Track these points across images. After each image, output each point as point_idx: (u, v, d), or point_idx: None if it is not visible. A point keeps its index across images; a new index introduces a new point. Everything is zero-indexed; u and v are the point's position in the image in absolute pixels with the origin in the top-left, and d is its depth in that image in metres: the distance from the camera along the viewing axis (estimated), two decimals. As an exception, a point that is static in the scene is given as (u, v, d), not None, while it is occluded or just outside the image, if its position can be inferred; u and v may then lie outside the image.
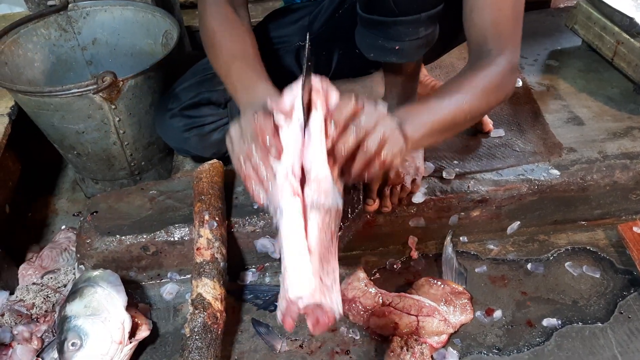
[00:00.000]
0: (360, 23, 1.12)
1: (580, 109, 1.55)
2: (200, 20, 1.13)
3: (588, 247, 1.35)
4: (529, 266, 1.30)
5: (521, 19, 1.03)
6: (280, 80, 1.00)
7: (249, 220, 1.28)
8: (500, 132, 1.45)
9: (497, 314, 1.20)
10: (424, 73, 1.49)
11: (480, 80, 0.98)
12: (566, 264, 1.30)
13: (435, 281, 1.24)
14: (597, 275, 1.27)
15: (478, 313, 1.20)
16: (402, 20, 1.04)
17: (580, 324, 1.18)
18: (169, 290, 1.30)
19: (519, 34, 1.03)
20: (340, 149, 0.79)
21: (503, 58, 1.00)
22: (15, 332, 1.19)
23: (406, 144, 0.86)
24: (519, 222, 1.36)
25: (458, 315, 1.19)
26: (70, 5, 1.55)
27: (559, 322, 1.18)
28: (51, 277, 1.34)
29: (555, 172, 1.33)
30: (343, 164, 0.81)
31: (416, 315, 1.16)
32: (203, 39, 1.12)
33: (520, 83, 1.64)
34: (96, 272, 1.18)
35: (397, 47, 1.09)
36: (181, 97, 1.31)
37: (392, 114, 0.86)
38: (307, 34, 0.84)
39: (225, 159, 1.38)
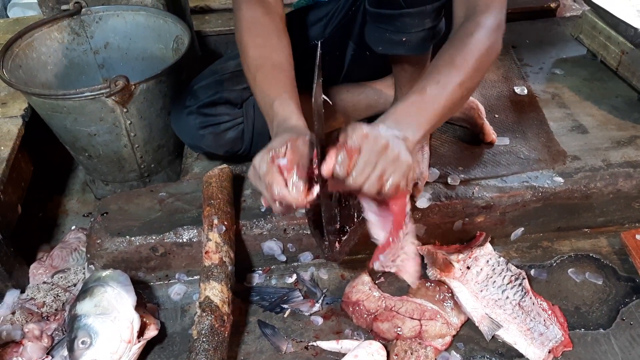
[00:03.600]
0: (369, 18, 1.15)
1: (585, 117, 1.57)
2: (237, 21, 1.15)
3: (591, 254, 1.36)
4: (532, 272, 1.31)
5: None
6: (302, 77, 1.08)
7: (256, 223, 1.30)
8: (505, 140, 1.47)
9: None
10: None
11: (471, 50, 0.97)
12: (569, 270, 1.32)
13: (430, 284, 1.26)
14: (600, 282, 1.29)
15: (481, 318, 1.22)
16: (408, 12, 1.08)
17: (582, 329, 1.19)
18: (176, 290, 1.32)
19: None
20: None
21: (489, 15, 0.99)
22: (26, 330, 1.21)
23: (410, 152, 0.89)
24: (522, 229, 1.38)
25: (458, 315, 1.21)
26: (83, 9, 1.58)
27: (561, 327, 1.19)
28: (61, 277, 1.36)
29: (559, 179, 1.35)
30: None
31: (419, 320, 1.18)
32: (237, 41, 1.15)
33: (525, 91, 1.66)
34: (106, 272, 1.20)
35: (404, 39, 1.12)
36: (199, 95, 1.33)
37: (389, 125, 0.89)
38: (319, 43, 0.86)
39: (237, 157, 1.40)
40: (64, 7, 1.58)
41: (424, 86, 0.95)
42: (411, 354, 1.14)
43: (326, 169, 0.85)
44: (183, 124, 1.36)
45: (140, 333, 1.14)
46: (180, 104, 1.37)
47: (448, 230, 1.36)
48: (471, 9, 1.02)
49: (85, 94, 1.28)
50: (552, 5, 2.10)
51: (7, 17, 2.40)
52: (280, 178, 0.86)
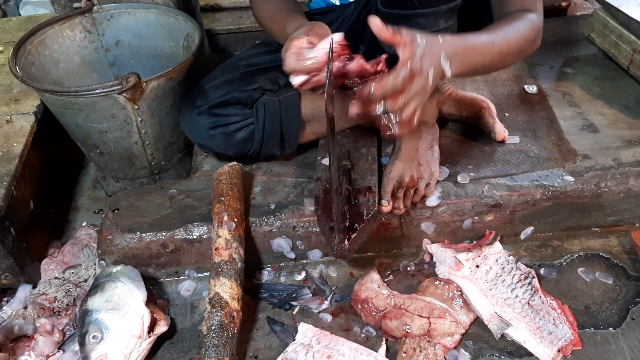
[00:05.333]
0: (381, 19, 1.15)
1: (595, 116, 1.56)
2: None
3: (601, 254, 1.36)
4: (542, 271, 1.31)
5: None
6: None
7: (266, 220, 1.31)
8: (515, 139, 1.46)
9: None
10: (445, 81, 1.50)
11: (513, 27, 1.08)
12: (579, 269, 1.31)
13: (439, 282, 1.26)
14: (610, 282, 1.28)
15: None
16: (422, 13, 1.08)
17: (592, 329, 1.19)
18: (186, 287, 1.32)
19: (542, 2, 1.15)
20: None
21: (532, 15, 1.11)
22: (37, 325, 1.22)
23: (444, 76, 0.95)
24: (532, 228, 1.37)
25: (467, 314, 1.21)
26: (95, 7, 1.59)
27: (571, 326, 1.19)
28: (72, 272, 1.37)
29: (570, 178, 1.35)
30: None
31: (428, 318, 1.18)
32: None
33: (536, 90, 1.66)
34: (117, 268, 1.21)
35: None
36: (210, 95, 1.33)
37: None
38: (331, 40, 0.87)
39: (247, 157, 1.41)
40: (75, 4, 1.59)
41: (466, 36, 1.02)
42: (420, 351, 1.14)
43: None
44: (193, 124, 1.36)
45: (151, 328, 1.15)
46: (190, 104, 1.37)
47: (457, 229, 1.35)
48: (511, 5, 1.13)
49: (97, 91, 1.29)
50: (563, 4, 2.10)
51: (19, 15, 2.42)
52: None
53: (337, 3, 1.44)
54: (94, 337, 1.10)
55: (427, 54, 0.89)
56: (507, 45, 1.06)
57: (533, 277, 1.25)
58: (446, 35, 0.97)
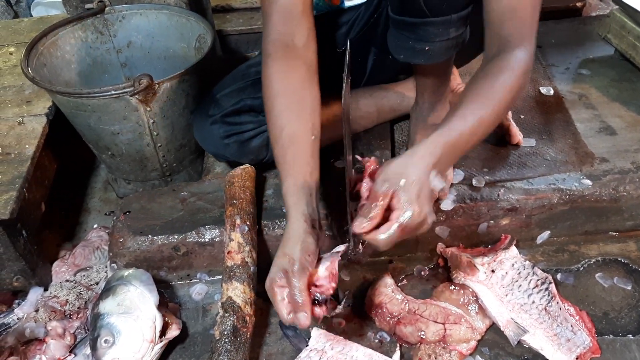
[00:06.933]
0: (391, 25, 1.13)
1: (613, 118, 1.54)
2: (262, 77, 1.12)
3: (619, 259, 1.33)
4: (558, 276, 1.29)
5: (539, 8, 1.03)
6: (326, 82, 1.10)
7: (278, 223, 1.30)
8: (532, 142, 1.44)
9: (526, 323, 1.19)
10: (457, 81, 1.49)
11: (503, 87, 1.00)
12: (597, 275, 1.29)
13: (454, 287, 1.24)
14: (629, 287, 1.26)
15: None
16: (433, 21, 1.06)
17: (611, 336, 1.17)
18: (198, 290, 1.31)
19: (537, 23, 1.03)
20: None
21: (523, 50, 1.01)
22: (49, 328, 1.22)
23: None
24: (549, 232, 1.35)
25: (482, 320, 1.19)
26: (107, 8, 1.58)
27: (590, 333, 1.17)
28: (84, 275, 1.37)
29: (587, 182, 1.32)
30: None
31: (443, 324, 1.16)
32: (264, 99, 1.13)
33: (551, 92, 1.63)
34: (129, 271, 1.20)
35: (427, 48, 1.10)
36: (222, 104, 1.32)
37: (424, 163, 0.91)
38: (348, 44, 0.85)
39: (262, 164, 1.39)
40: (87, 5, 1.59)
41: (454, 127, 0.97)
42: (435, 358, 1.12)
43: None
44: (207, 134, 1.35)
45: (162, 332, 1.14)
46: (203, 113, 1.35)
47: (472, 233, 1.34)
48: (504, 42, 1.02)
49: (110, 93, 1.28)
50: (578, 4, 2.07)
51: (31, 16, 2.43)
52: (285, 310, 0.96)
53: (345, 6, 1.42)
54: (105, 341, 1.09)
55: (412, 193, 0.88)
56: (495, 115, 1.01)
57: (550, 283, 1.23)
58: (425, 145, 0.93)
